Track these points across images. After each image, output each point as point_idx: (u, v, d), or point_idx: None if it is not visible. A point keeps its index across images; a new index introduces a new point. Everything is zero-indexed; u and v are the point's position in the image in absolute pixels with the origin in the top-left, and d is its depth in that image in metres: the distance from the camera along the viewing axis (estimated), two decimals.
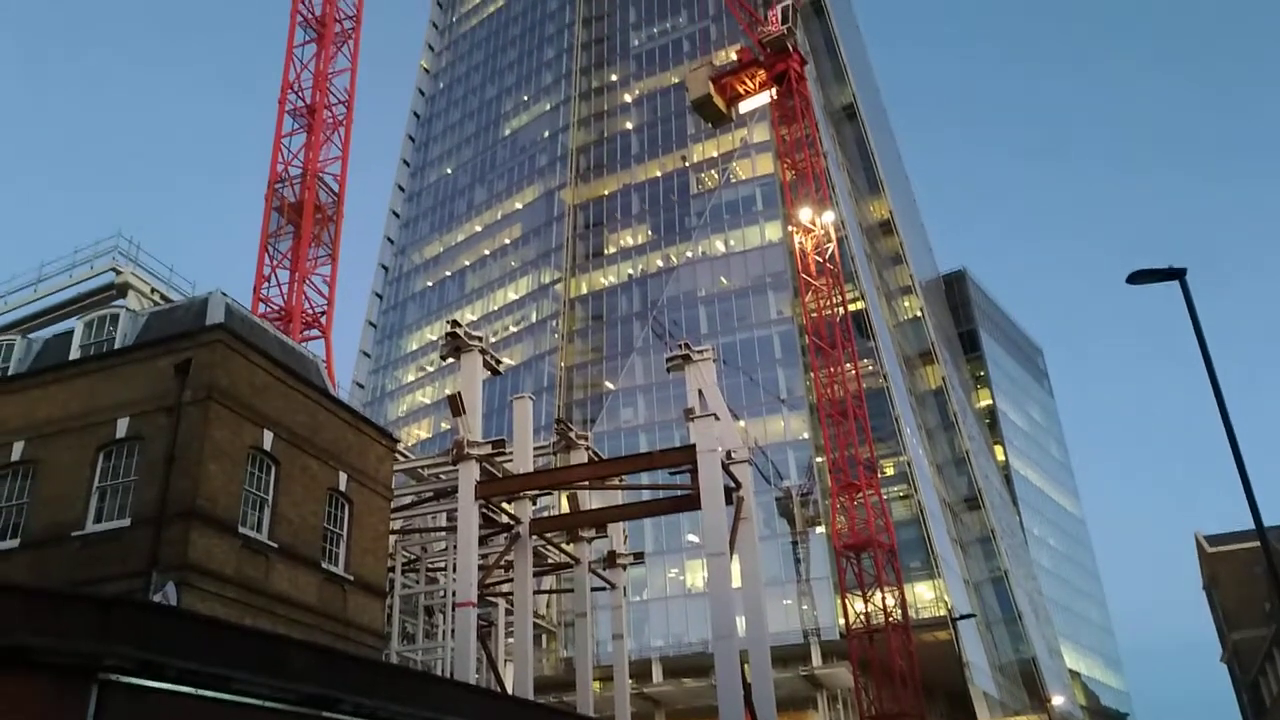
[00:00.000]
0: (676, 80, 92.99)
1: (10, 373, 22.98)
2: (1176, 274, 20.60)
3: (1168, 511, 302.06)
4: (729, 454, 31.83)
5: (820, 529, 68.08)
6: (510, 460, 32.65)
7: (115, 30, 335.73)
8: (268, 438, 21.18)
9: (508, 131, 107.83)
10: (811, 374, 68.61)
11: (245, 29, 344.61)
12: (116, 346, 22.22)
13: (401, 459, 32.49)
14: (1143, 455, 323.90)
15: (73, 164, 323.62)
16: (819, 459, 69.45)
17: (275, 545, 20.78)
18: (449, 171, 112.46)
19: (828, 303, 64.75)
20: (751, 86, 69.89)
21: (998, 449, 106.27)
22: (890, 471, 71.72)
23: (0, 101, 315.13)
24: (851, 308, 69.09)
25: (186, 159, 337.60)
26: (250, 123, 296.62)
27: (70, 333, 23.25)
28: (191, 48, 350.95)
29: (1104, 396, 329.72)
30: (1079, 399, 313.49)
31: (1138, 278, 20.82)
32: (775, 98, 69.40)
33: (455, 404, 30.32)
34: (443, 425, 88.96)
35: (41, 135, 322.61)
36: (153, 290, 28.94)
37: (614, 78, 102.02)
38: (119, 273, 28.37)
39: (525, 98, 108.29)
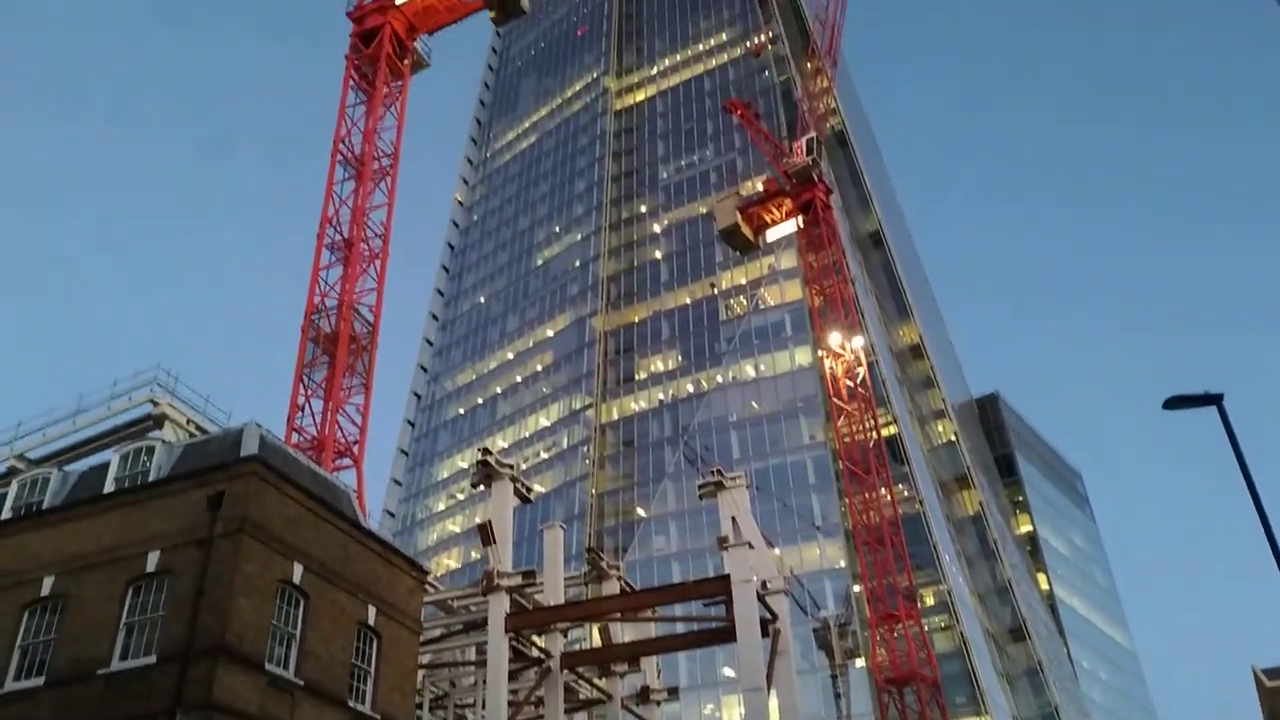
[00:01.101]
0: (704, 210, 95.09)
1: (45, 506, 23.05)
2: (1213, 399, 20.20)
3: (1222, 640, 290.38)
4: (764, 584, 31.03)
5: (860, 662, 65.85)
6: (541, 591, 32.02)
7: (160, 157, 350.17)
8: (298, 571, 20.93)
9: (540, 261, 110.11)
10: (846, 500, 67.65)
11: (279, 163, 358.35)
12: (151, 479, 22.28)
13: (431, 590, 31.96)
14: (1192, 581, 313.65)
15: (118, 285, 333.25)
16: (857, 588, 67.80)
17: (301, 683, 20.27)
18: (482, 300, 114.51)
19: (860, 427, 64.38)
20: (778, 215, 71.42)
21: (1041, 577, 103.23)
22: (930, 601, 69.75)
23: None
24: (884, 432, 68.58)
25: (225, 286, 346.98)
26: (292, 253, 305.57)
27: (106, 465, 23.40)
28: (228, 188, 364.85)
29: (1147, 519, 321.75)
30: (1121, 523, 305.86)
31: (1174, 403, 20.43)
32: (802, 226, 70.79)
33: (486, 533, 29.96)
34: (473, 554, 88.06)
35: (80, 261, 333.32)
36: (188, 421, 29.23)
37: (643, 209, 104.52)
38: (156, 404, 28.73)
39: (557, 228, 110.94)
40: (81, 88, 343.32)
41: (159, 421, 28.57)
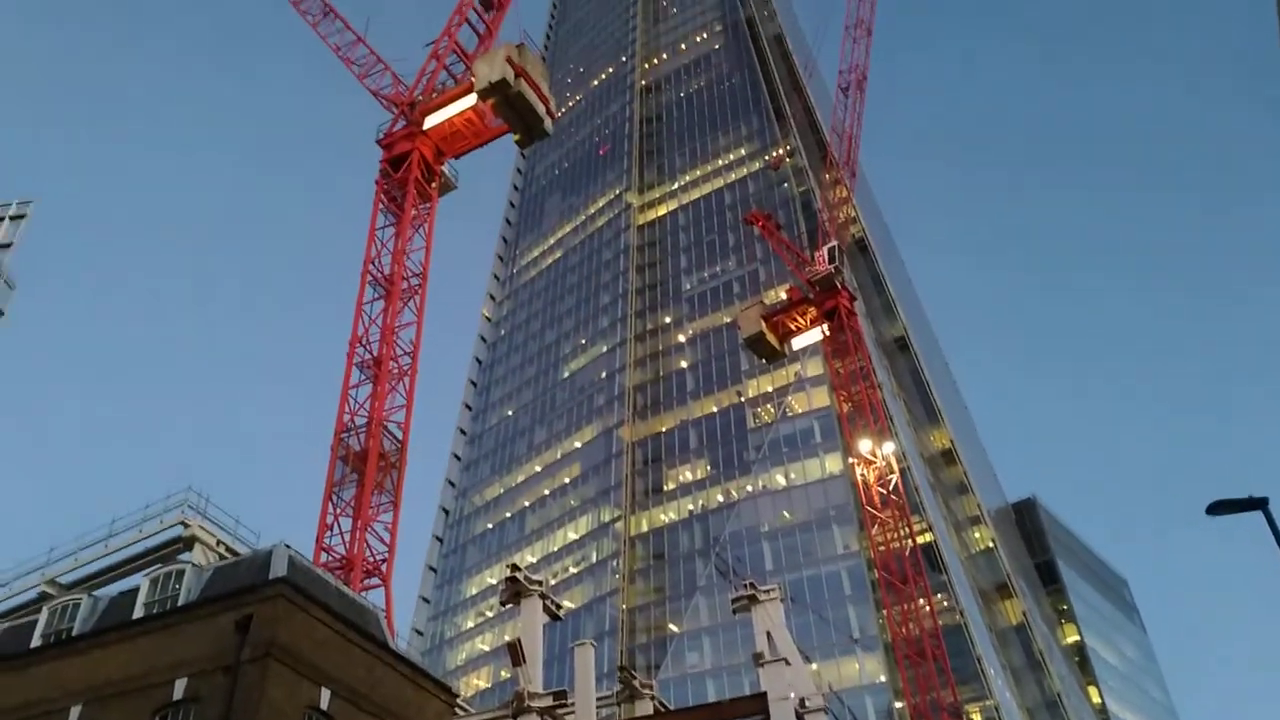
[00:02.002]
0: (729, 320, 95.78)
1: (75, 633, 22.92)
2: (1258, 504, 19.72)
3: None
4: (803, 701, 30.03)
5: None
6: (572, 713, 31.10)
7: (189, 272, 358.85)
8: (325, 696, 20.55)
9: (566, 373, 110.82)
10: (884, 611, 66.01)
11: (308, 283, 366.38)
12: (180, 603, 22.15)
13: (460, 713, 31.19)
14: (1250, 691, 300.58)
15: (153, 404, 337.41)
16: (899, 704, 65.49)
17: None
18: (510, 414, 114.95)
19: (895, 535, 63.31)
20: (803, 323, 71.78)
21: (1091, 690, 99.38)
22: (977, 717, 67.20)
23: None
24: (920, 540, 67.40)
25: (252, 403, 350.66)
26: (322, 371, 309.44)
27: (136, 590, 23.31)
28: (257, 311, 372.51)
29: (1200, 627, 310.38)
30: (1173, 632, 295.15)
31: (1218, 509, 20.00)
32: (827, 333, 71.05)
33: (515, 652, 29.30)
34: (502, 674, 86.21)
35: (113, 383, 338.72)
36: (218, 542, 29.19)
37: (668, 319, 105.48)
38: (187, 526, 28.75)
39: (583, 340, 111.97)
40: (107, 193, 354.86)
41: (189, 544, 28.54)
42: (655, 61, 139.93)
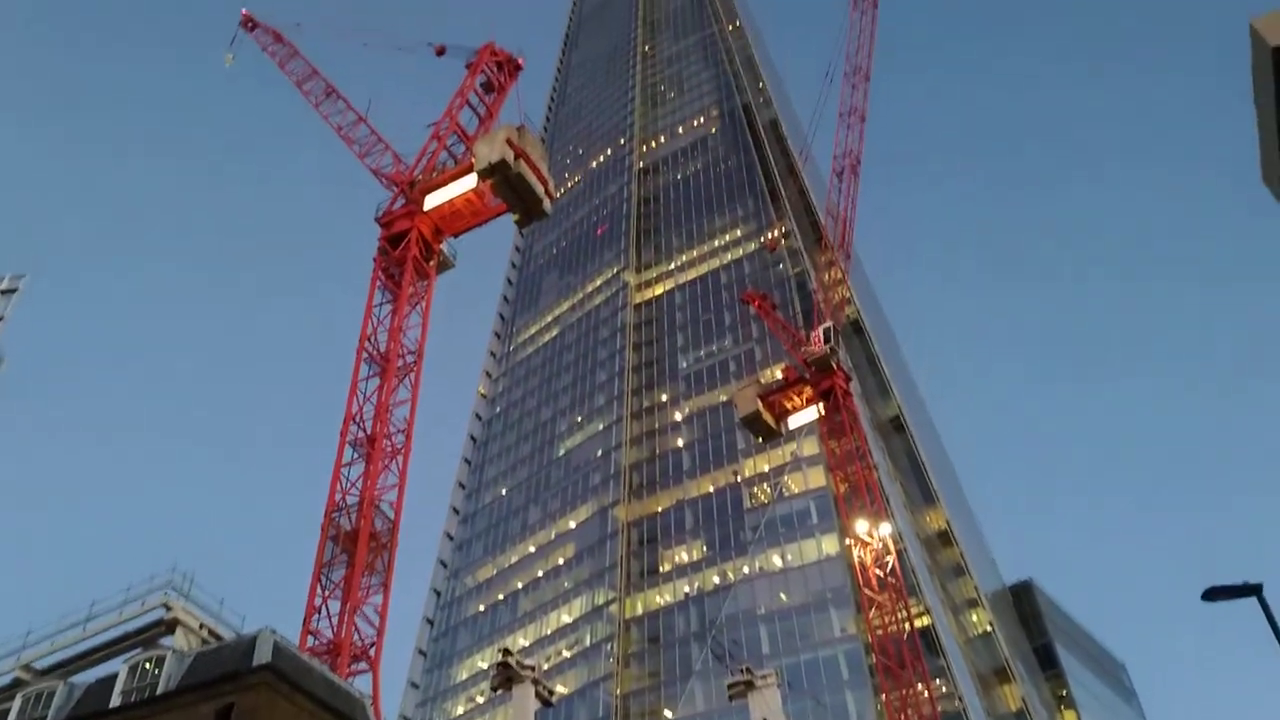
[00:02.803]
0: (725, 398, 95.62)
1: None
2: (1253, 590, 19.63)
3: None
4: None
5: None
6: None
7: (184, 345, 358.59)
8: None
9: (562, 451, 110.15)
10: (882, 697, 64.55)
11: (302, 359, 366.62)
12: (160, 691, 21.50)
13: None
14: None
15: (133, 481, 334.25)
16: None
17: None
18: (503, 493, 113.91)
19: (892, 619, 62.28)
20: (799, 403, 71.68)
21: None
22: None
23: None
24: (918, 623, 66.24)
25: (243, 481, 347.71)
26: (314, 450, 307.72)
27: (114, 677, 22.65)
28: (250, 386, 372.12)
29: (1198, 712, 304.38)
30: (1172, 717, 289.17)
31: (1213, 595, 19.85)
32: (823, 413, 70.88)
33: None
34: None
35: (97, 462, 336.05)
36: (201, 626, 28.44)
37: (664, 397, 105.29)
38: (169, 609, 28.03)
39: (579, 418, 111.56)
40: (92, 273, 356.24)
41: (171, 627, 27.79)
42: (653, 144, 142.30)
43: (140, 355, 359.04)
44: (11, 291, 42.11)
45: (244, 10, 64.27)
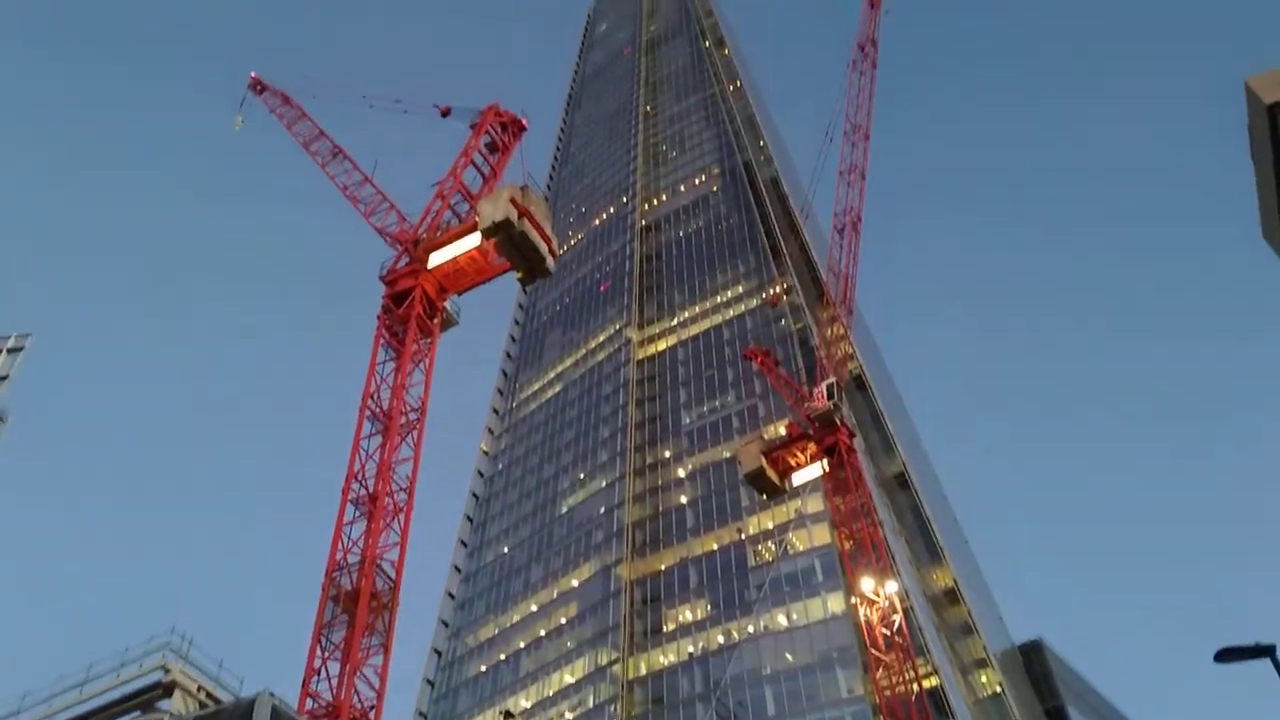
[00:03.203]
0: (728, 455, 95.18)
1: None
2: (1265, 651, 19.39)
3: None
4: None
5: None
6: None
7: (184, 404, 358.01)
8: None
9: (564, 509, 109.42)
10: None
11: (304, 417, 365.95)
12: None
13: None
14: None
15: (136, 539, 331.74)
16: None
17: None
18: (505, 551, 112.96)
19: (900, 679, 61.37)
20: (803, 459, 71.43)
21: None
22: None
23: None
24: (926, 684, 65.29)
25: (243, 541, 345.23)
26: (315, 510, 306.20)
27: None
28: (249, 448, 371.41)
29: None
30: None
31: (1226, 656, 19.63)
32: (827, 469, 70.60)
33: None
34: None
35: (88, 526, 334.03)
36: (199, 688, 28.11)
37: (668, 454, 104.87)
38: (167, 671, 27.74)
39: (581, 475, 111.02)
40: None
41: (169, 690, 27.47)
42: (655, 202, 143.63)
43: (140, 412, 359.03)
44: (18, 350, 42.26)
45: (252, 73, 65.32)
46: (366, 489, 43.57)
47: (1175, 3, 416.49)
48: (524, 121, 56.30)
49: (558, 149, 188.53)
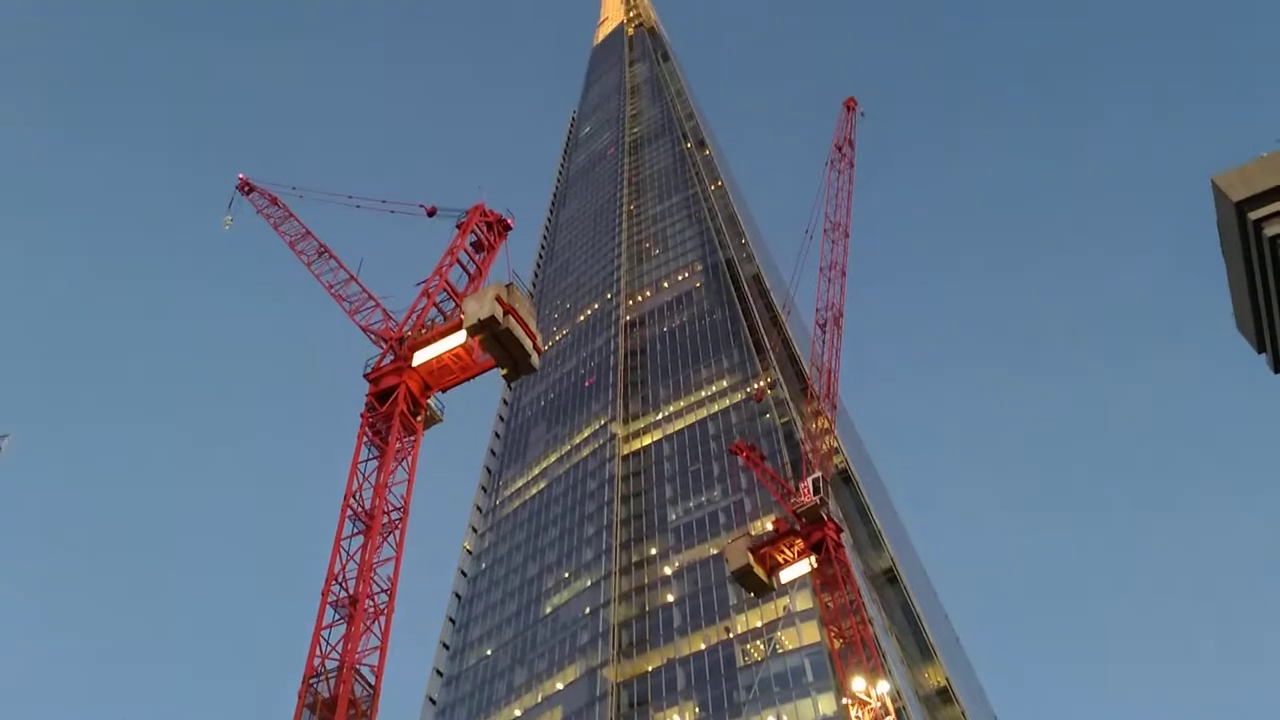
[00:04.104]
0: (715, 551, 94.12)
1: None
2: None
3: None
4: None
5: None
6: None
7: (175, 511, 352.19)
8: None
9: (548, 609, 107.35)
10: None
11: (284, 517, 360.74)
12: None
13: None
14: None
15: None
16: None
17: None
18: (488, 653, 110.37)
19: None
20: (790, 555, 70.60)
21: None
22: None
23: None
24: None
25: (220, 646, 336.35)
26: (291, 612, 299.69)
27: None
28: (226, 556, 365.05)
29: None
30: None
31: None
32: (815, 565, 69.75)
33: None
34: None
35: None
36: None
37: (653, 551, 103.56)
38: None
39: (566, 574, 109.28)
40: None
41: None
42: (639, 298, 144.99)
43: (116, 508, 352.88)
44: None
45: (240, 175, 66.12)
46: (347, 591, 42.59)
47: (1144, 104, 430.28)
48: (509, 221, 56.91)
49: (543, 246, 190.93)
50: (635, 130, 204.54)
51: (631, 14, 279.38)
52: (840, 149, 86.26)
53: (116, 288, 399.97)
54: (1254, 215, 26.40)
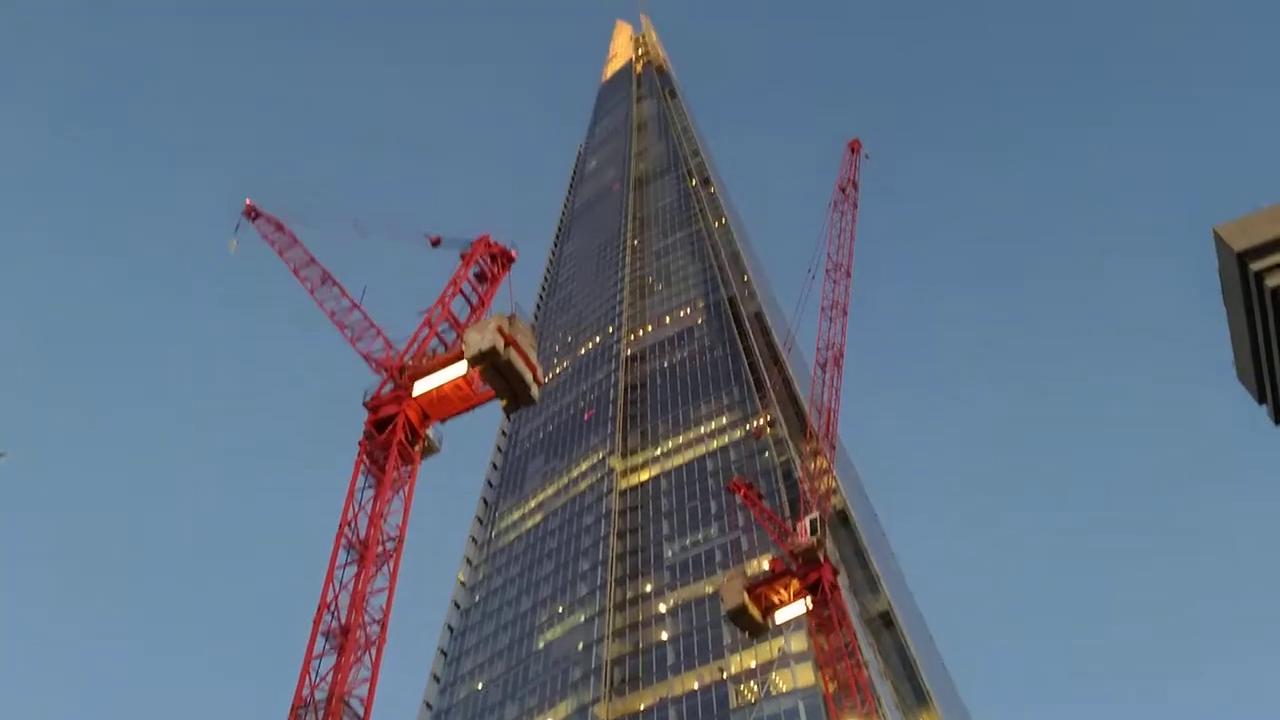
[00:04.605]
0: (711, 590, 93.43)
1: None
2: None
3: None
4: None
5: None
6: None
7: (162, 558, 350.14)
8: None
9: (541, 644, 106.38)
10: None
11: (282, 553, 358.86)
12: None
13: None
14: None
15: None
16: None
17: None
18: (479, 687, 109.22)
19: None
20: (786, 596, 70.14)
21: None
22: None
23: None
24: None
25: (210, 674, 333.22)
26: (284, 640, 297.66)
27: None
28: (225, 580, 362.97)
29: None
30: None
31: None
32: (810, 607, 69.28)
33: None
34: None
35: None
36: None
37: (648, 588, 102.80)
38: None
39: (560, 609, 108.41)
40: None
41: None
42: (641, 333, 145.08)
43: (106, 532, 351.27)
44: None
45: (248, 200, 66.57)
46: (339, 620, 42.34)
47: (1143, 154, 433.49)
48: (514, 253, 57.23)
49: (546, 279, 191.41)
50: (641, 166, 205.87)
51: (640, 52, 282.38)
52: (844, 190, 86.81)
53: (116, 301, 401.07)
54: (1256, 266, 26.30)
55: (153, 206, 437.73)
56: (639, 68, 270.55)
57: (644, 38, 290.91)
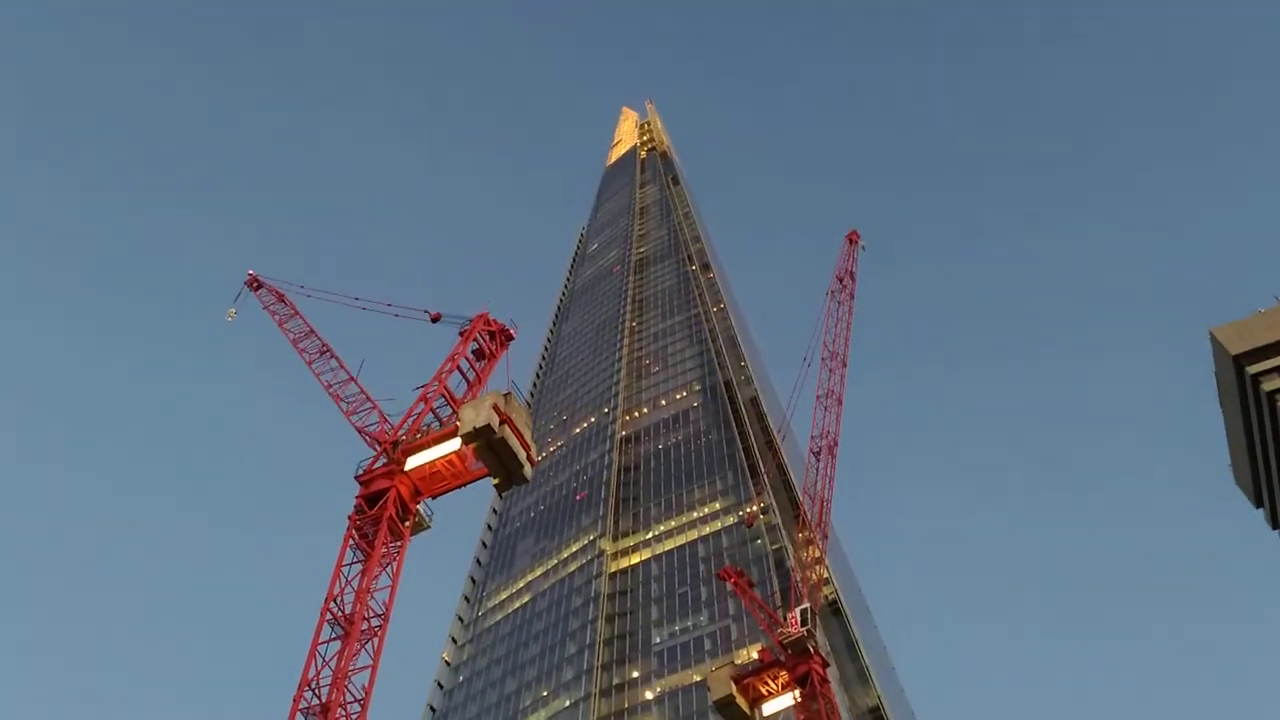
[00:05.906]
0: (698, 678, 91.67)
1: None
2: None
3: None
4: None
5: None
6: None
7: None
8: None
9: None
10: None
11: (269, 625, 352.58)
12: None
13: None
14: None
15: None
16: None
17: None
18: None
19: None
20: (774, 687, 68.98)
21: None
22: None
23: None
24: None
25: None
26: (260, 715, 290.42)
27: None
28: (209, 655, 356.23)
29: None
30: None
31: None
32: (799, 699, 68.10)
33: None
34: None
35: None
36: None
37: (635, 674, 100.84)
38: None
39: (545, 693, 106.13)
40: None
41: None
42: (636, 415, 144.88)
43: (93, 601, 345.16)
44: None
45: (250, 271, 67.05)
46: (319, 699, 41.41)
47: (1140, 258, 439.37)
48: (512, 331, 57.42)
49: (544, 357, 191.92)
50: (642, 249, 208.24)
51: (645, 138, 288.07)
52: (841, 280, 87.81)
53: (113, 362, 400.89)
54: (1252, 370, 26.64)
55: (152, 269, 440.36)
56: (643, 153, 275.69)
57: (649, 124, 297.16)
